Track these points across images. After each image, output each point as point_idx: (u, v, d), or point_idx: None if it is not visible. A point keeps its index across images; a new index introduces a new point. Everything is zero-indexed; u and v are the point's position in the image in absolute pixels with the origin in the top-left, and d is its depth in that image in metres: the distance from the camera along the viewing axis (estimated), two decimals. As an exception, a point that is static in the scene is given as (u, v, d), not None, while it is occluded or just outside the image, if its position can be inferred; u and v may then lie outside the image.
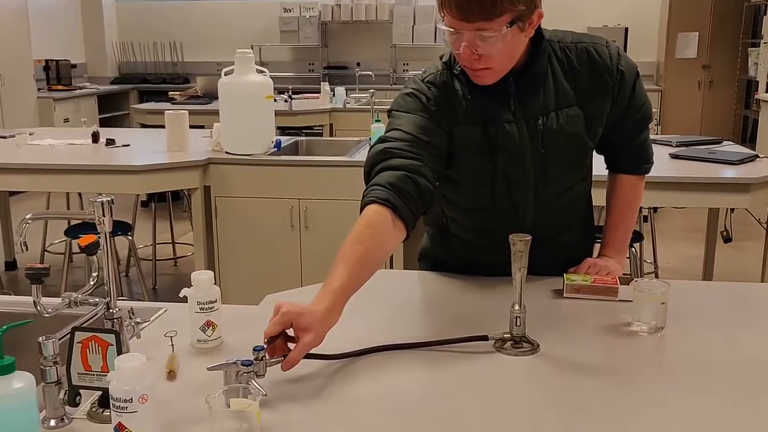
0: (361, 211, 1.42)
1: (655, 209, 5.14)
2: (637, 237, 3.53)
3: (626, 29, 7.86)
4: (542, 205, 1.64)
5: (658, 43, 8.17)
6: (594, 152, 1.70)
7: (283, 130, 5.93)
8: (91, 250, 1.28)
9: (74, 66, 8.40)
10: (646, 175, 1.80)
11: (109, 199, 1.23)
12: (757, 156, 3.51)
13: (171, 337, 1.35)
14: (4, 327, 1.01)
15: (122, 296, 3.90)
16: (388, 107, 1.63)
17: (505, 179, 1.59)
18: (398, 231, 1.42)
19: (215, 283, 1.41)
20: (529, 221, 1.62)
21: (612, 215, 1.82)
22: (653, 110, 1.77)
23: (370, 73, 6.76)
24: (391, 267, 3.59)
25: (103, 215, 1.23)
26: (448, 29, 1.42)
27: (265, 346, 1.19)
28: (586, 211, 1.82)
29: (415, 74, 1.64)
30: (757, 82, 7.12)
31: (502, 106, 1.54)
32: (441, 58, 1.63)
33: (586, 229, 1.83)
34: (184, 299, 1.41)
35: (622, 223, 1.81)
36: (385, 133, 1.55)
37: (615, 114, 1.63)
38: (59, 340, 1.13)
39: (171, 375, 1.28)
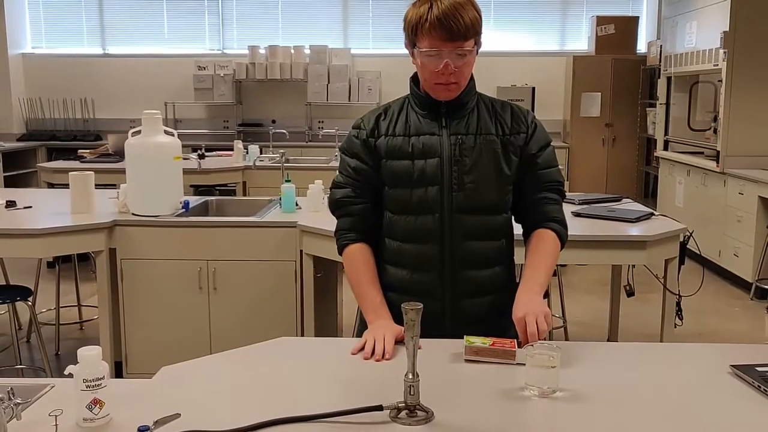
0: (340, 251, 1.98)
1: (563, 265, 5.29)
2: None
3: (533, 89, 8.19)
4: (460, 217, 1.85)
5: (564, 102, 8.55)
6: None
7: (196, 188, 5.86)
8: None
9: (-23, 122, 8.13)
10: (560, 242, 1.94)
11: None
12: (652, 214, 3.68)
13: (56, 416, 1.30)
14: None
15: (21, 364, 3.72)
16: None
17: (422, 181, 1.86)
18: (370, 247, 1.96)
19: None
20: (447, 231, 1.85)
21: (530, 257, 1.91)
22: (562, 172, 1.99)
23: (284, 131, 6.78)
24: (303, 333, 3.56)
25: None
26: (428, 51, 1.77)
27: (152, 426, 1.16)
28: (508, 255, 1.95)
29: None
30: (656, 140, 7.51)
31: (432, 123, 1.89)
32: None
33: (508, 279, 1.95)
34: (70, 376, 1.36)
35: (541, 261, 1.89)
36: (338, 171, 1.99)
37: (525, 157, 1.91)
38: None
39: (53, 458, 1.22)
